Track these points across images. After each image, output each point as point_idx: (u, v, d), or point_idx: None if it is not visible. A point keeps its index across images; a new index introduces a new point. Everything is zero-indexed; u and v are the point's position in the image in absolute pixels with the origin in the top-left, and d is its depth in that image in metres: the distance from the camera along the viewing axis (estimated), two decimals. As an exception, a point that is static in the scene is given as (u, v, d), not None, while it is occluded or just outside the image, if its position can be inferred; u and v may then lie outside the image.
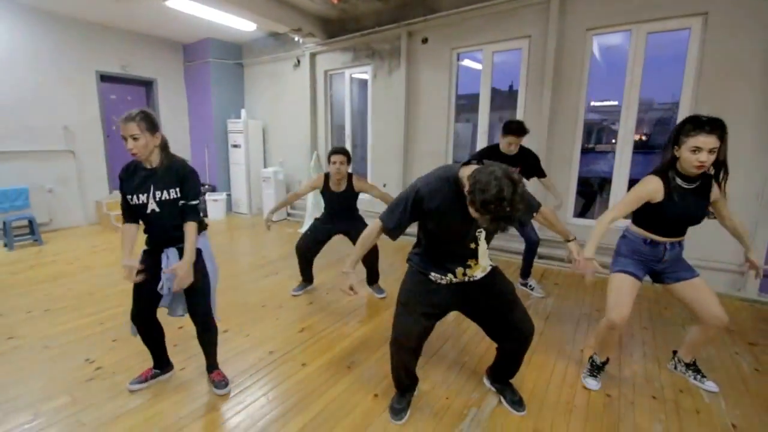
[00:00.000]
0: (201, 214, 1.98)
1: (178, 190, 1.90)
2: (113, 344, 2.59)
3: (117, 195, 6.38)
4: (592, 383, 2.17)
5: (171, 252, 1.95)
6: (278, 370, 2.32)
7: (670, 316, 3.08)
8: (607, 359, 2.21)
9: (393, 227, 1.69)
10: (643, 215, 1.97)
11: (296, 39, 5.78)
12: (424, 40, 4.93)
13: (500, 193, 1.28)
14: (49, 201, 5.57)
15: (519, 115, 4.38)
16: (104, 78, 6.06)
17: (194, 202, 1.93)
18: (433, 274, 1.77)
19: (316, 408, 1.99)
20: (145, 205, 1.88)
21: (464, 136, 5.92)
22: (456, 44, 4.72)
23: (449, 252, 1.74)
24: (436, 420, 1.91)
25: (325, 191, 3.22)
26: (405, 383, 1.97)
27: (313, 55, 5.98)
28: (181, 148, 7.16)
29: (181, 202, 1.91)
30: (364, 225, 2.94)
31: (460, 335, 2.73)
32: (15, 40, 5.14)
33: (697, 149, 1.71)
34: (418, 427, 1.87)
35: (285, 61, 6.39)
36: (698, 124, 1.70)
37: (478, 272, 1.76)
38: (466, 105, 5.21)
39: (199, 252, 1.98)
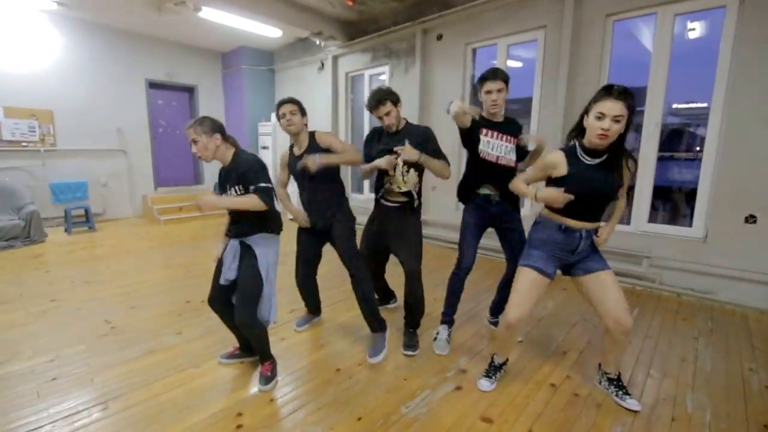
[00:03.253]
0: (269, 203, 1.95)
1: (240, 187, 1.97)
2: (131, 311, 3.01)
3: (162, 191, 7.07)
4: (485, 384, 2.06)
5: (232, 243, 2.08)
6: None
7: (684, 328, 2.80)
8: (506, 360, 2.14)
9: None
10: None
11: (318, 42, 6.13)
12: (439, 37, 5.07)
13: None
14: (103, 194, 6.31)
15: (534, 108, 4.36)
16: (152, 85, 6.77)
17: (262, 185, 1.93)
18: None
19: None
20: None
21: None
22: (470, 39, 4.79)
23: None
24: (387, 395, 2.03)
25: (292, 163, 2.48)
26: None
27: (335, 58, 6.32)
28: (219, 148, 7.77)
29: (251, 187, 1.94)
30: (349, 219, 2.49)
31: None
32: (76, 51, 5.92)
33: (601, 115, 1.65)
34: (368, 399, 2.00)
35: (310, 65, 6.78)
36: (608, 90, 1.66)
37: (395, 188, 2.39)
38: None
39: (254, 253, 2.02)
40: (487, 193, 2.41)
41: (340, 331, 2.72)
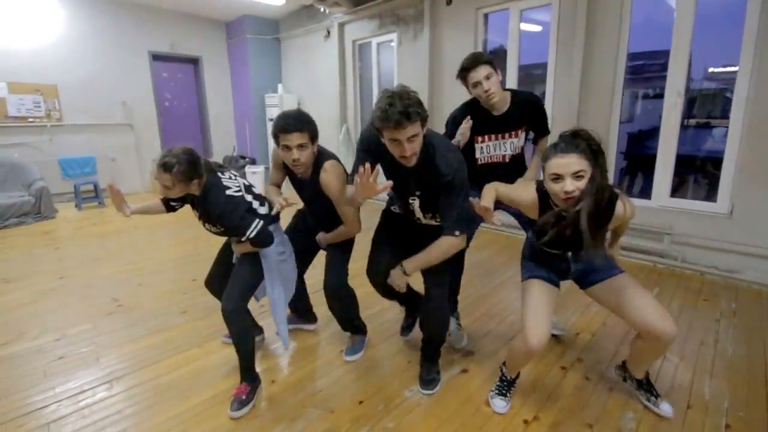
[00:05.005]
0: (269, 238, 1.80)
1: (219, 225, 1.80)
2: (138, 288, 3.01)
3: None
4: (500, 404, 1.74)
5: None
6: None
7: (706, 309, 2.65)
8: (518, 375, 1.81)
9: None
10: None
11: (323, 9, 5.87)
12: (449, 2, 4.79)
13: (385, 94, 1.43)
14: (112, 169, 6.30)
15: (549, 75, 4.11)
16: (156, 57, 6.61)
17: (252, 234, 1.74)
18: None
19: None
20: None
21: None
22: (481, 3, 4.51)
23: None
24: (390, 378, 1.99)
25: (292, 175, 1.98)
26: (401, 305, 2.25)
27: (341, 25, 6.06)
28: (225, 123, 7.68)
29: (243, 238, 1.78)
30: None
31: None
32: (77, 23, 5.79)
33: (557, 177, 1.38)
34: (371, 382, 1.96)
35: (316, 34, 6.53)
36: (554, 147, 1.42)
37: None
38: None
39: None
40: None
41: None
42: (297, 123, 1.71)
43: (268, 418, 1.73)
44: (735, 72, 3.07)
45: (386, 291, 1.98)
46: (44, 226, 4.72)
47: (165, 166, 1.60)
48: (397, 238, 1.93)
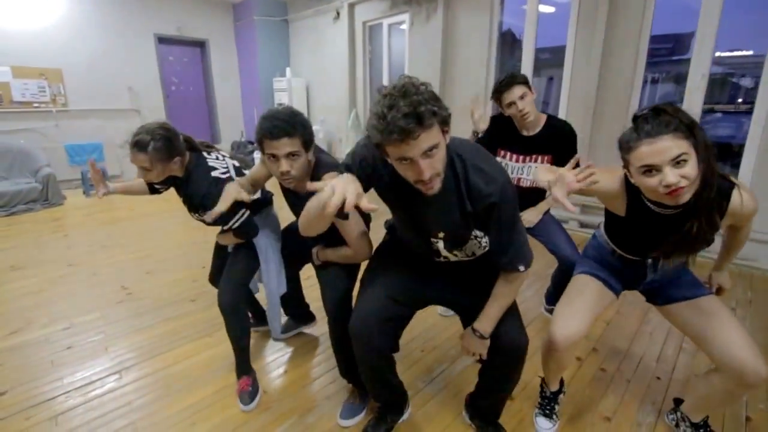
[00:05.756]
0: (255, 230, 1.67)
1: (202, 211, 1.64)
2: (147, 276, 2.95)
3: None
4: (545, 424, 1.53)
5: None
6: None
7: (720, 297, 2.63)
8: (560, 387, 1.57)
9: None
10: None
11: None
12: (463, -20, 4.61)
13: (384, 99, 0.93)
14: (120, 155, 6.21)
15: (567, 60, 3.94)
16: (161, 40, 6.49)
17: (236, 224, 1.60)
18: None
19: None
20: None
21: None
22: (498, -18, 4.34)
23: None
24: (403, 369, 1.89)
25: (287, 193, 1.61)
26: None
27: (351, 6, 5.88)
28: (232, 107, 7.57)
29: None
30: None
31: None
32: (82, 5, 5.65)
33: (650, 168, 1.05)
34: None
35: (325, 15, 6.35)
36: (637, 123, 1.07)
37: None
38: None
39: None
40: None
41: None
42: (286, 126, 1.30)
43: (279, 411, 1.68)
44: (743, 56, 2.97)
45: (371, 356, 1.33)
46: (52, 213, 4.68)
47: (138, 145, 1.45)
48: (405, 270, 1.38)
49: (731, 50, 4.37)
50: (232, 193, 1.48)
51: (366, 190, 1.11)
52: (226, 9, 7.10)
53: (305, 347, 2.12)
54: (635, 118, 1.08)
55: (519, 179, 2.01)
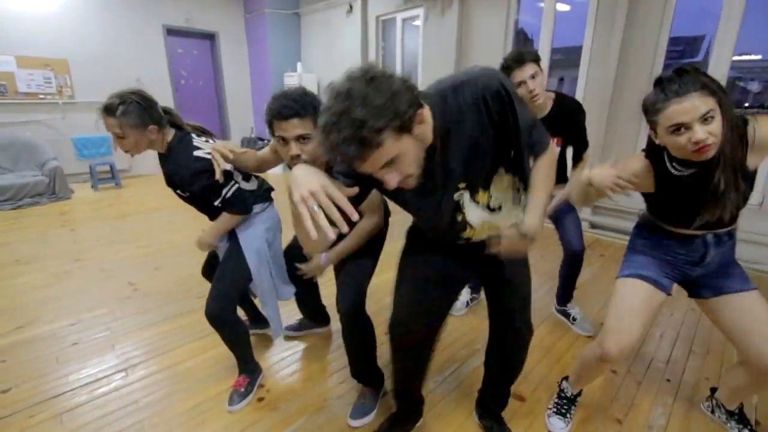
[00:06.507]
0: (245, 205, 1.58)
1: (183, 192, 1.56)
2: (154, 272, 2.90)
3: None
4: (558, 425, 1.53)
5: None
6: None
7: None
8: (580, 392, 1.60)
9: None
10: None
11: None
12: (480, -25, 4.50)
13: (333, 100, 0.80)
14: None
15: (583, 60, 3.83)
16: (170, 32, 6.43)
17: (227, 195, 1.52)
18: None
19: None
20: None
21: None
22: (515, -23, 4.23)
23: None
24: None
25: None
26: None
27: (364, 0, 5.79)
28: (243, 102, 7.51)
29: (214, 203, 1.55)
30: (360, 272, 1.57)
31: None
32: (91, -2, 5.59)
33: (679, 127, 1.08)
34: None
35: (338, 8, 6.25)
36: (661, 84, 1.10)
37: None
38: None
39: (238, 241, 1.62)
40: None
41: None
42: (297, 106, 1.23)
43: (288, 411, 1.63)
44: (752, 61, 2.90)
45: (414, 357, 1.35)
46: (60, 206, 4.65)
47: (107, 109, 1.35)
48: (436, 269, 1.27)
49: (740, 54, 4.30)
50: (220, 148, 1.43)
51: (368, 188, 1.01)
52: (236, 1, 7.03)
53: (315, 346, 2.06)
54: (659, 81, 1.10)
55: None
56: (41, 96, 5.39)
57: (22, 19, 5.17)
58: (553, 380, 1.76)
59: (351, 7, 5.99)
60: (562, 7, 4.24)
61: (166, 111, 1.52)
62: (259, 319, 2.06)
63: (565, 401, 1.59)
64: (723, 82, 2.98)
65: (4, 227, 3.87)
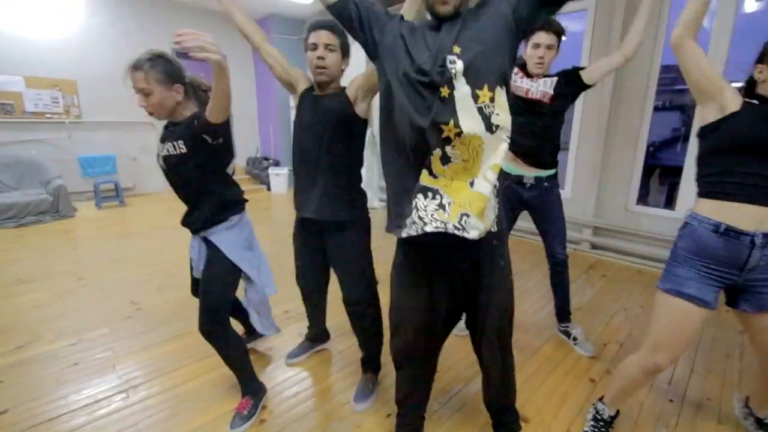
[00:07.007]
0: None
1: (180, 143, 1.48)
2: (157, 291, 2.89)
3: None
4: None
5: (194, 240, 1.67)
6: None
7: (728, 319, 2.45)
8: (617, 413, 1.56)
9: None
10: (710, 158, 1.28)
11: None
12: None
13: None
14: (133, 168, 6.26)
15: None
16: (178, 55, 6.47)
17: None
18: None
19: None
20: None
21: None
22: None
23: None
24: None
25: (302, 101, 1.68)
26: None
27: (366, 25, 5.94)
28: (249, 124, 7.62)
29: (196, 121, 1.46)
30: (359, 237, 1.69)
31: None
32: (98, 17, 5.73)
33: None
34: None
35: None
36: None
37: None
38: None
39: (220, 252, 1.58)
40: (519, 174, 2.03)
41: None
42: (331, 23, 1.53)
43: (293, 435, 1.60)
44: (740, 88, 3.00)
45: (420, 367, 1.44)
46: (63, 225, 4.66)
47: (135, 65, 1.38)
48: (430, 281, 1.29)
49: (731, 81, 4.40)
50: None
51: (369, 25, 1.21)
52: (242, 27, 7.21)
53: (318, 366, 2.04)
54: None
55: (528, 90, 1.96)
56: (48, 115, 5.46)
57: (35, 42, 5.30)
58: (559, 400, 1.75)
59: (354, 32, 6.15)
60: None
61: (200, 86, 1.61)
62: (255, 331, 2.03)
63: (602, 423, 1.53)
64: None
65: (6, 245, 3.88)
